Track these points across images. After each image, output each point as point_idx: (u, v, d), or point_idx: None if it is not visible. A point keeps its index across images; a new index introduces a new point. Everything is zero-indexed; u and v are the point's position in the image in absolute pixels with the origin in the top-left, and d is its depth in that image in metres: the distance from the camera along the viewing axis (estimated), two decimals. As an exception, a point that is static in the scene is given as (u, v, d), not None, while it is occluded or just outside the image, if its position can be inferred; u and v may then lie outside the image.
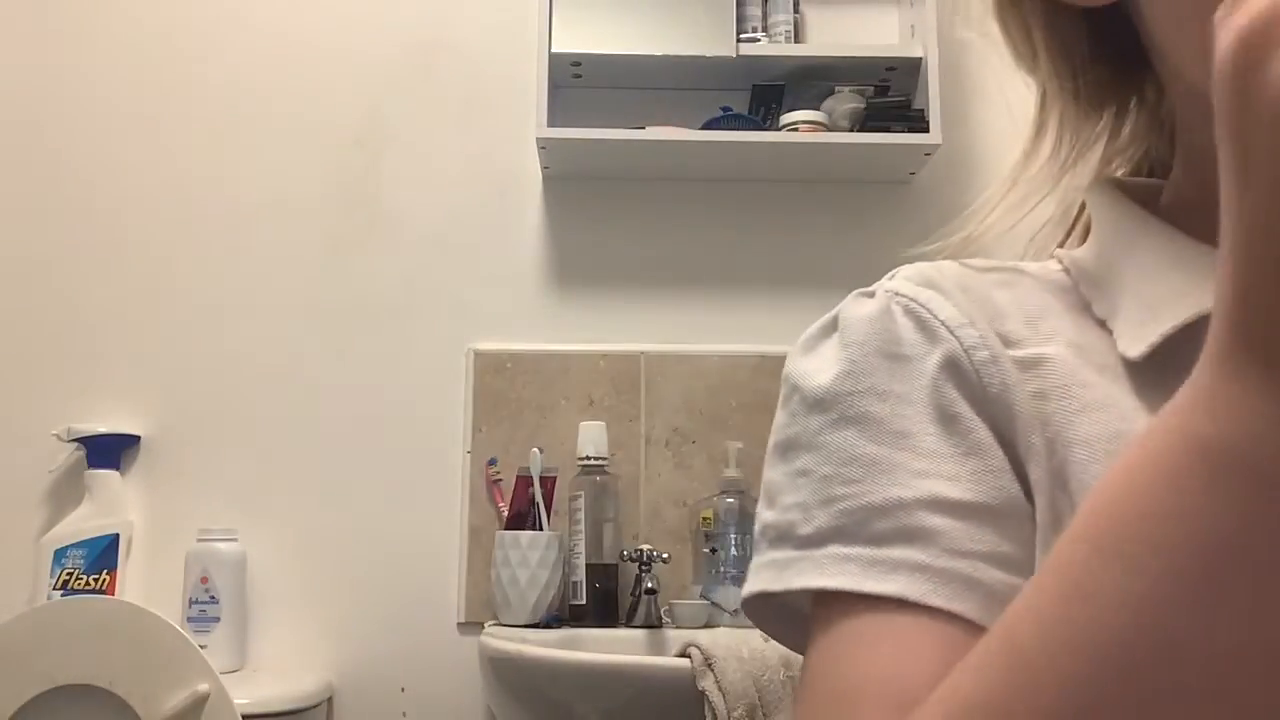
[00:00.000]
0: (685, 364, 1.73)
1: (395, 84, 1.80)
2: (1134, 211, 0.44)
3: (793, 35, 1.75)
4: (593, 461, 1.62)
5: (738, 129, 1.71)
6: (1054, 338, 0.42)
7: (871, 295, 0.44)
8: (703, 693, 1.18)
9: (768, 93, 1.76)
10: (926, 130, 1.65)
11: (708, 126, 1.70)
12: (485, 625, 1.57)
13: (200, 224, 1.76)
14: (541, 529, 1.59)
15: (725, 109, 1.74)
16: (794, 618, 0.42)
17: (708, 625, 1.52)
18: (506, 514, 1.64)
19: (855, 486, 0.39)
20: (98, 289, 1.74)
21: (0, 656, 1.33)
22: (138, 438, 1.69)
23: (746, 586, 0.42)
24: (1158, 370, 0.39)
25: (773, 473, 0.43)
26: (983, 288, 0.44)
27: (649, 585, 1.55)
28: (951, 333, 0.41)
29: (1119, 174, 0.50)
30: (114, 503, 1.65)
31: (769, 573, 0.41)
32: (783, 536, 0.41)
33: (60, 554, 1.61)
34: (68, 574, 1.60)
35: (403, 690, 1.65)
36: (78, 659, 1.32)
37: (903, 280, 0.44)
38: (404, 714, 1.65)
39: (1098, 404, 0.39)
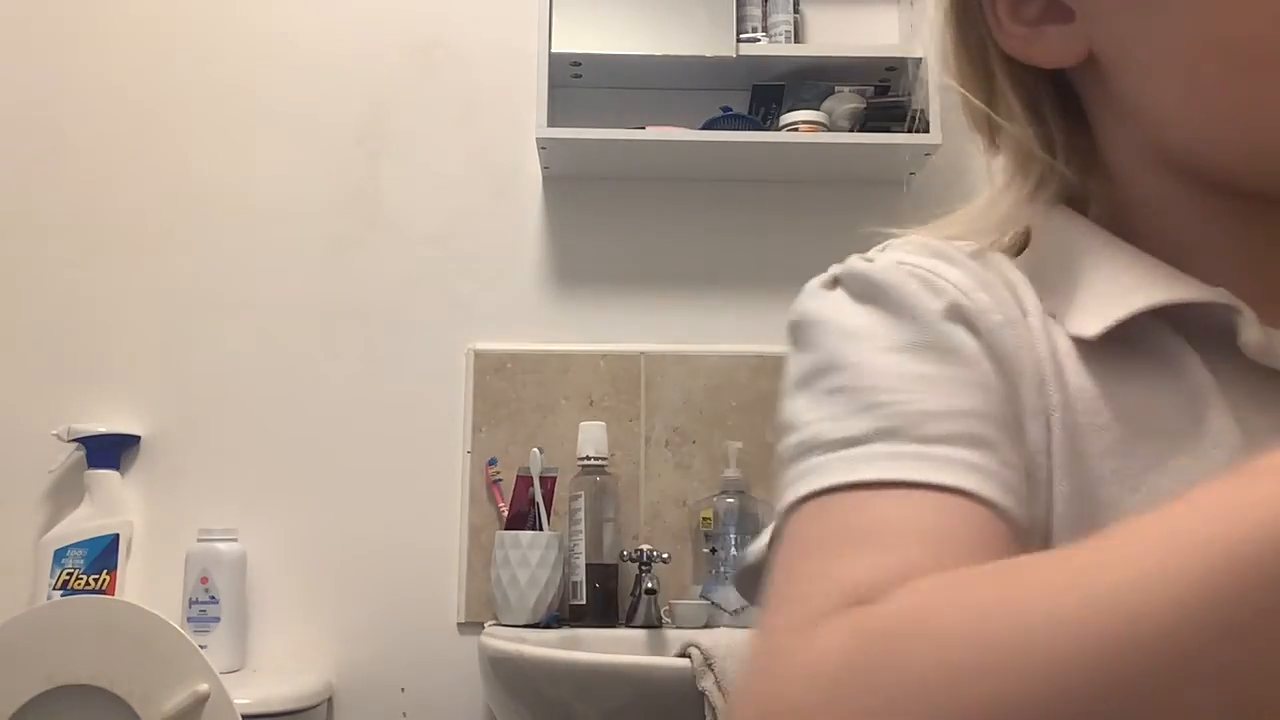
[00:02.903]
0: (685, 364, 1.73)
1: (395, 84, 1.80)
2: (1091, 226, 0.46)
3: (793, 35, 1.75)
4: (593, 461, 1.62)
5: (738, 129, 1.70)
6: (1032, 316, 0.43)
7: (870, 260, 0.45)
8: (703, 693, 1.18)
9: (768, 93, 1.76)
10: (926, 130, 1.65)
11: (708, 126, 1.70)
12: (485, 625, 1.57)
13: (200, 224, 1.76)
14: (541, 529, 1.59)
15: (725, 109, 1.74)
16: None
17: (708, 625, 1.52)
18: (506, 514, 1.64)
19: (905, 394, 0.38)
20: (98, 289, 1.74)
21: (0, 656, 1.33)
22: (138, 438, 1.69)
23: (780, 502, 0.39)
24: (1104, 360, 0.42)
25: (793, 404, 0.41)
26: (968, 259, 0.45)
27: (649, 585, 1.54)
28: (962, 298, 0.42)
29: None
30: (114, 503, 1.65)
31: (801, 482, 0.38)
32: (808, 449, 0.39)
33: (60, 554, 1.61)
34: (68, 574, 1.60)
35: (403, 690, 1.65)
36: (78, 659, 1.32)
37: (903, 253, 0.45)
38: (404, 714, 1.65)
39: (1069, 391, 0.41)
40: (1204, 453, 0.39)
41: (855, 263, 0.45)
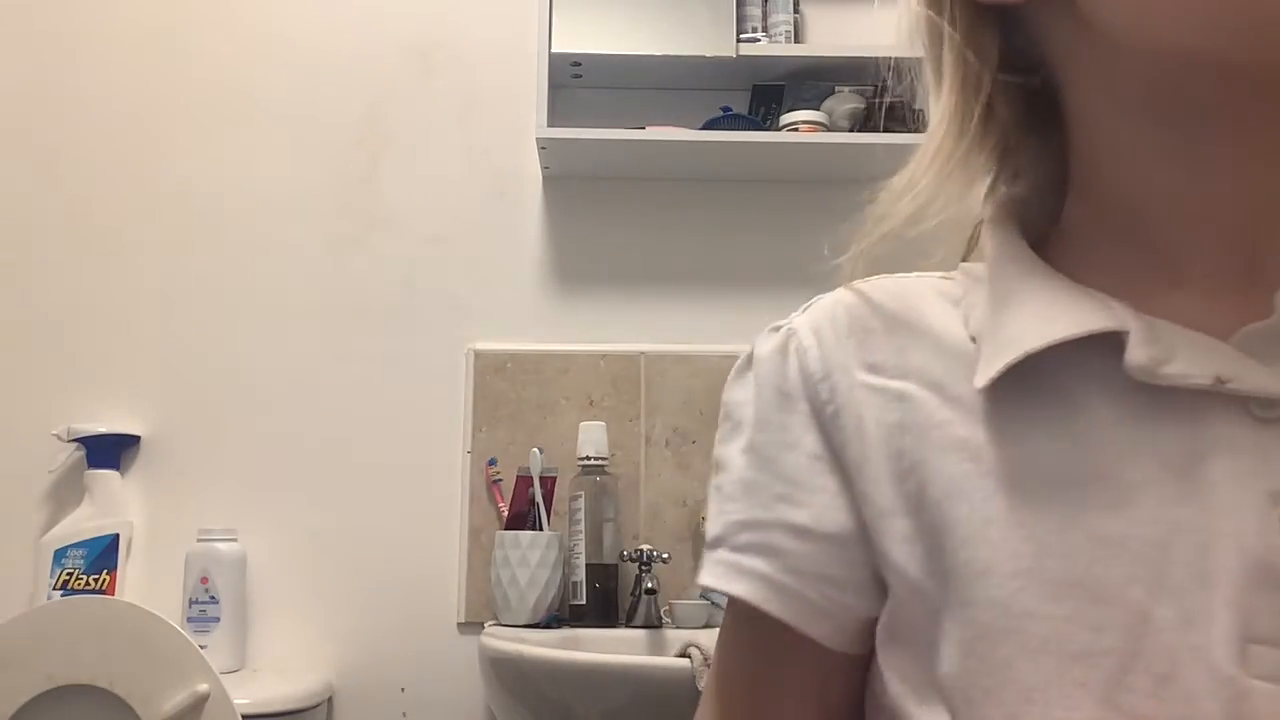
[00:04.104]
0: (685, 364, 1.73)
1: (395, 84, 1.80)
2: (1020, 250, 0.47)
3: (793, 35, 1.75)
4: (593, 461, 1.62)
5: (738, 129, 1.71)
6: (916, 374, 0.46)
7: (778, 330, 0.52)
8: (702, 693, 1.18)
9: (768, 93, 1.76)
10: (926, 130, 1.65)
11: (708, 126, 1.71)
12: (485, 625, 1.57)
13: (200, 224, 1.76)
14: (541, 529, 1.59)
15: (725, 109, 1.74)
16: None
17: (708, 625, 1.52)
18: (506, 514, 1.64)
19: (735, 504, 0.48)
20: (98, 289, 1.74)
21: (0, 656, 1.33)
22: (138, 438, 1.69)
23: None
24: (1004, 399, 0.43)
25: (711, 482, 0.52)
26: (865, 317, 0.49)
27: (649, 585, 1.55)
28: (814, 387, 0.48)
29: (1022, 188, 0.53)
30: (114, 503, 1.65)
31: (702, 567, 0.50)
32: (705, 539, 0.50)
33: (60, 554, 1.61)
34: (68, 574, 1.60)
35: (403, 690, 1.65)
36: (78, 659, 1.32)
37: (805, 319, 0.51)
38: (404, 714, 1.65)
39: (949, 444, 0.43)
40: (1090, 491, 0.40)
41: (762, 343, 0.52)
